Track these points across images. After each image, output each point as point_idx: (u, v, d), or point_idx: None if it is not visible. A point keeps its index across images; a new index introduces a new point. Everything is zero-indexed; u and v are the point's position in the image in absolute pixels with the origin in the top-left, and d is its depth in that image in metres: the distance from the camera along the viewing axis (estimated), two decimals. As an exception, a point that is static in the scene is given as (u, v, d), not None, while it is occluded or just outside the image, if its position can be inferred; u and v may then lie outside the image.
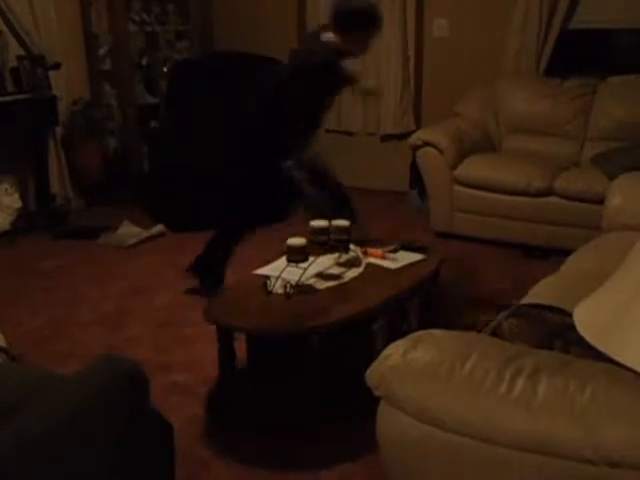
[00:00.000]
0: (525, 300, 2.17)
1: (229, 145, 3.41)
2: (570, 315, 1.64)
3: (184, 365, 2.97)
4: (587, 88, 4.56)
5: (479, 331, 1.78)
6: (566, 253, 2.92)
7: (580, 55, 4.96)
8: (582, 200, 3.99)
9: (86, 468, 1.35)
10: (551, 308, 1.84)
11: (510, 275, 3.87)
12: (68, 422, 1.32)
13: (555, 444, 1.24)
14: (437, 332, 1.51)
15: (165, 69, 5.53)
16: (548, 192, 4.11)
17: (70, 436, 1.33)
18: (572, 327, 1.56)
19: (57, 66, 4.85)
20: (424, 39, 5.33)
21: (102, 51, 5.36)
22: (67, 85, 5.01)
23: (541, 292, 2.27)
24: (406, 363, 1.41)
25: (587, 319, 1.44)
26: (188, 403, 2.67)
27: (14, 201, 4.71)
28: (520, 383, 1.30)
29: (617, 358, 1.30)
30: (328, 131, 5.75)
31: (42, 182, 4.91)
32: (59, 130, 5.01)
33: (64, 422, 1.33)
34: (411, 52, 5.37)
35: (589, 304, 1.49)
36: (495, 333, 1.71)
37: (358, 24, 3.26)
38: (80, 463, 1.33)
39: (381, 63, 5.40)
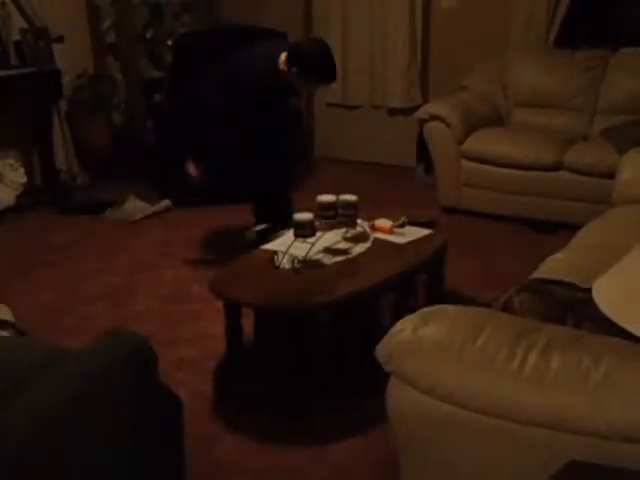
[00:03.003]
0: (535, 275, 2.15)
1: (231, 115, 3.41)
2: (582, 290, 1.63)
3: (191, 340, 2.97)
4: (598, 60, 4.49)
5: (489, 306, 1.76)
6: (575, 228, 2.90)
7: (591, 26, 4.87)
8: (591, 174, 3.95)
9: (97, 442, 1.35)
10: (562, 283, 1.82)
11: (518, 250, 3.85)
12: (79, 396, 1.32)
13: (567, 419, 1.23)
14: (448, 307, 1.50)
15: (169, 42, 5.47)
16: (557, 166, 4.07)
17: (81, 410, 1.33)
18: (584, 302, 1.54)
19: (61, 39, 4.79)
20: (431, 10, 5.24)
21: (106, 24, 5.30)
22: (71, 59, 4.96)
23: (551, 267, 2.25)
24: (417, 339, 1.40)
25: (607, 295, 1.43)
26: (195, 378, 2.67)
27: (19, 176, 4.69)
28: (533, 358, 1.29)
29: (638, 334, 1.29)
30: (333, 105, 5.72)
31: (47, 157, 4.87)
32: (63, 104, 4.97)
33: (75, 396, 1.33)
34: (418, 23, 5.29)
35: (608, 279, 1.47)
36: (506, 308, 1.70)
37: (307, 70, 3.21)
38: (91, 436, 1.33)
39: (388, 34, 5.33)
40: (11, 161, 4.65)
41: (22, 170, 4.72)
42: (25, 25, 4.64)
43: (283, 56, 3.24)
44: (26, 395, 1.28)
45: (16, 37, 4.59)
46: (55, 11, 4.79)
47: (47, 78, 4.66)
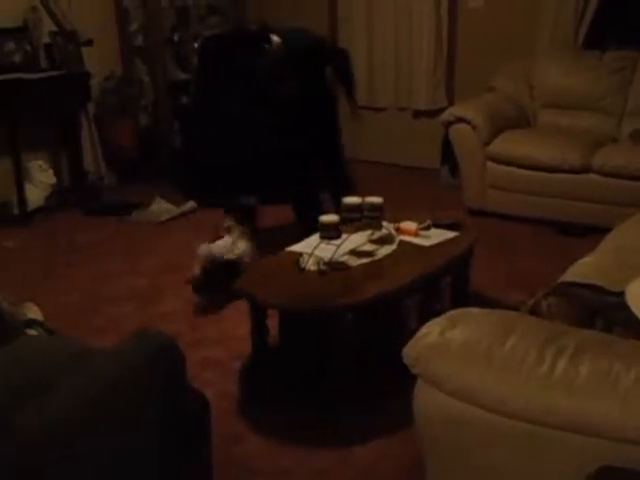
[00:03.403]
0: (563, 278, 2.13)
1: (256, 118, 3.43)
2: (612, 293, 1.61)
3: (217, 341, 2.98)
4: (627, 61, 4.43)
5: (516, 309, 1.75)
6: (603, 231, 2.86)
7: (621, 26, 4.81)
8: (620, 176, 3.90)
9: (124, 442, 1.37)
10: (591, 286, 1.80)
11: (545, 253, 3.81)
12: (105, 396, 1.33)
13: (597, 424, 1.22)
14: (475, 310, 1.49)
15: (196, 45, 5.51)
16: (585, 169, 4.02)
17: (107, 410, 1.34)
18: (614, 306, 1.53)
19: (90, 42, 4.86)
20: (457, 10, 5.22)
21: (134, 27, 5.35)
22: (99, 61, 5.02)
23: (580, 270, 2.22)
24: (444, 341, 1.40)
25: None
26: (221, 379, 2.69)
27: (48, 177, 4.76)
28: (562, 363, 1.27)
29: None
30: (359, 107, 5.70)
31: (75, 158, 4.94)
32: (91, 106, 5.03)
33: (101, 396, 1.34)
34: (444, 24, 5.27)
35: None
36: (534, 312, 1.69)
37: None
38: (118, 437, 1.34)
39: (413, 36, 5.32)
40: (40, 162, 4.72)
41: (51, 171, 4.79)
42: (55, 28, 4.71)
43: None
44: (52, 395, 1.29)
45: (46, 40, 4.66)
46: (84, 14, 4.86)
47: (76, 81, 4.72)
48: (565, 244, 3.90)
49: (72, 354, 1.62)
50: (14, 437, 1.17)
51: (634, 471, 1.15)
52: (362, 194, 2.95)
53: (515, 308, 1.83)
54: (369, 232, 2.80)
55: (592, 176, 4.02)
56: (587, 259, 2.39)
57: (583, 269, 2.25)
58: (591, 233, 3.67)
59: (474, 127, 4.29)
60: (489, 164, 4.33)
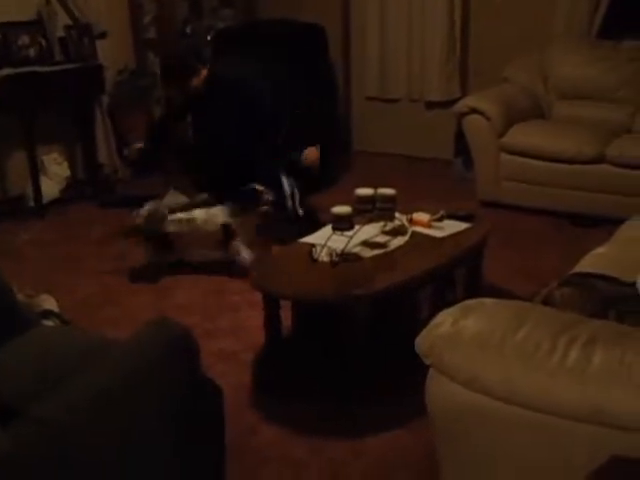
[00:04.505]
0: (576, 269, 2.13)
1: (265, 112, 3.47)
2: (625, 284, 1.61)
3: (230, 332, 3.00)
4: (642, 51, 4.39)
5: (529, 300, 1.75)
6: (617, 222, 2.85)
7: (636, 17, 4.76)
8: (635, 167, 3.88)
9: (140, 432, 1.38)
10: (604, 277, 1.80)
11: (559, 244, 3.80)
12: (126, 385, 1.35)
13: (610, 414, 1.22)
14: (488, 301, 1.49)
15: (209, 37, 5.51)
16: (599, 159, 4.00)
17: (123, 400, 1.35)
18: (627, 297, 1.52)
19: (103, 35, 4.88)
20: (471, 0, 5.18)
21: (147, 20, 5.37)
22: (113, 54, 5.04)
23: (593, 261, 2.22)
24: (457, 332, 1.40)
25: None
26: (235, 370, 2.70)
27: (63, 170, 4.79)
28: (574, 353, 1.27)
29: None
30: (371, 98, 5.70)
31: (89, 151, 4.97)
32: (105, 99, 5.06)
33: (117, 386, 1.36)
34: (457, 15, 5.23)
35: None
36: (547, 302, 1.69)
37: None
38: (137, 425, 1.36)
39: (426, 26, 5.29)
40: (55, 155, 4.76)
41: (66, 164, 4.82)
42: (69, 22, 4.73)
43: None
44: (68, 386, 1.31)
45: (60, 34, 4.68)
46: (98, 8, 4.87)
47: (90, 74, 4.75)
48: (578, 235, 3.88)
49: (88, 345, 1.65)
50: (34, 426, 1.19)
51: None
52: (375, 185, 2.95)
53: (528, 299, 1.83)
54: (382, 223, 2.80)
55: (606, 167, 3.99)
56: (601, 250, 2.38)
57: (596, 260, 2.24)
58: (604, 224, 3.65)
59: (488, 118, 4.26)
60: (503, 155, 4.31)
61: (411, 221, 2.85)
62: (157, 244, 3.58)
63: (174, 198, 4.67)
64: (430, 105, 5.50)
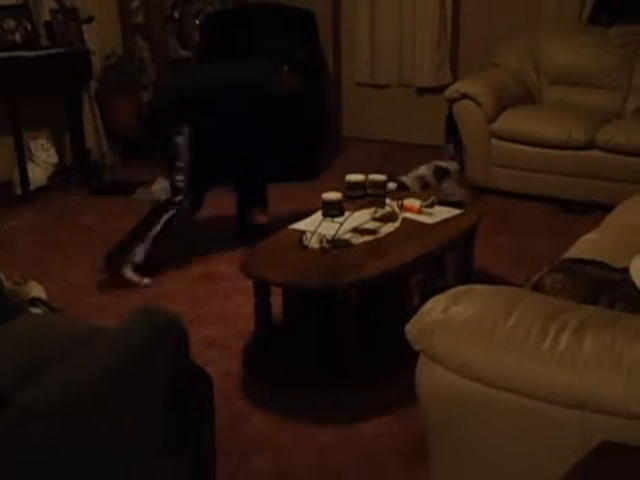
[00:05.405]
0: (567, 255, 2.12)
1: (255, 98, 3.44)
2: (616, 270, 1.60)
3: (220, 319, 2.99)
4: (633, 36, 4.39)
5: (520, 286, 1.75)
6: (607, 208, 2.85)
7: (626, 1, 4.75)
8: (625, 153, 3.88)
9: (129, 417, 1.37)
10: (594, 263, 1.80)
11: (549, 230, 3.80)
12: (113, 373, 1.34)
13: (600, 400, 1.22)
14: (479, 287, 1.49)
15: (197, 22, 5.46)
16: (589, 145, 4.00)
17: (114, 386, 1.34)
18: (618, 282, 1.52)
19: (90, 20, 4.82)
20: (462, -14, 5.16)
21: (135, 4, 5.30)
22: (100, 39, 4.98)
23: (583, 247, 2.22)
24: (447, 318, 1.40)
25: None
26: (224, 357, 2.69)
27: (50, 156, 4.74)
28: (565, 338, 1.27)
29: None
30: (362, 84, 5.67)
31: (77, 137, 4.92)
32: (93, 84, 5.00)
33: (109, 373, 1.34)
34: (448, 0, 5.21)
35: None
36: (537, 288, 1.68)
37: None
38: (124, 412, 1.35)
39: (417, 12, 5.26)
40: (42, 141, 4.70)
41: (53, 150, 4.77)
42: (55, 6, 4.67)
43: None
44: (54, 373, 1.30)
45: (46, 18, 4.62)
46: (85, -9, 4.81)
47: (77, 58, 4.69)
48: (569, 221, 3.89)
49: (75, 332, 1.63)
50: (18, 413, 1.17)
51: (636, 447, 1.15)
52: (365, 171, 2.93)
53: (519, 285, 1.82)
54: (372, 210, 2.79)
55: (596, 152, 3.99)
56: (591, 236, 2.38)
57: (587, 246, 2.24)
58: (594, 210, 3.66)
59: (479, 104, 4.25)
60: (494, 141, 4.30)
61: (402, 207, 2.84)
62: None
63: (163, 184, 4.66)
64: (421, 91, 5.48)
